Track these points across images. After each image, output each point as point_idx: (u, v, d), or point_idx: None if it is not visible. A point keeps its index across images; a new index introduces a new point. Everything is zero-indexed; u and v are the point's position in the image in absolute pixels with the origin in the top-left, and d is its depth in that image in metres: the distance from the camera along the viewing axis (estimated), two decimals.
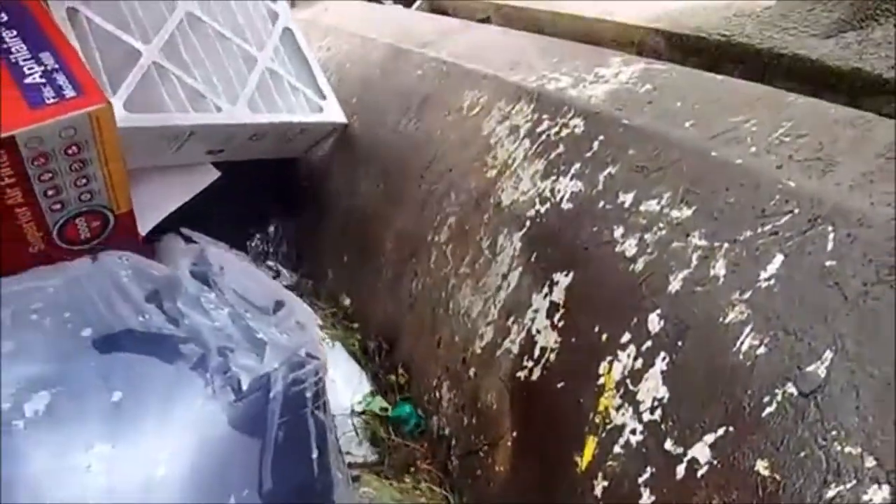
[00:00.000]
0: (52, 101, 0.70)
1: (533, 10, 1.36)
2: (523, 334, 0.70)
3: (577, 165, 0.74)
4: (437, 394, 0.82)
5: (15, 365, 0.55)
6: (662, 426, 0.54)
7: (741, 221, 0.57)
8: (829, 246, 0.51)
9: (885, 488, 0.41)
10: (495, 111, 0.91)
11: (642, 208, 0.65)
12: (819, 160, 0.58)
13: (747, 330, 0.52)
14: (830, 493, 0.43)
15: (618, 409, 0.58)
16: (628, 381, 0.58)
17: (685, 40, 1.03)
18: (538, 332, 0.69)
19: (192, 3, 0.99)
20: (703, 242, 0.59)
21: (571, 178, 0.74)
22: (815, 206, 0.54)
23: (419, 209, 0.94)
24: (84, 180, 0.73)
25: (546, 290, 0.69)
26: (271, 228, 1.30)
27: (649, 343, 0.58)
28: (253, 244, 1.26)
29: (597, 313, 0.63)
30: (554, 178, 0.76)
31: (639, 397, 0.57)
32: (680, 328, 0.56)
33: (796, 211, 0.55)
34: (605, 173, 0.71)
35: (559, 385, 0.64)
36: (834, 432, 0.44)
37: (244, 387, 0.56)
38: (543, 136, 0.81)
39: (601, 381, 0.60)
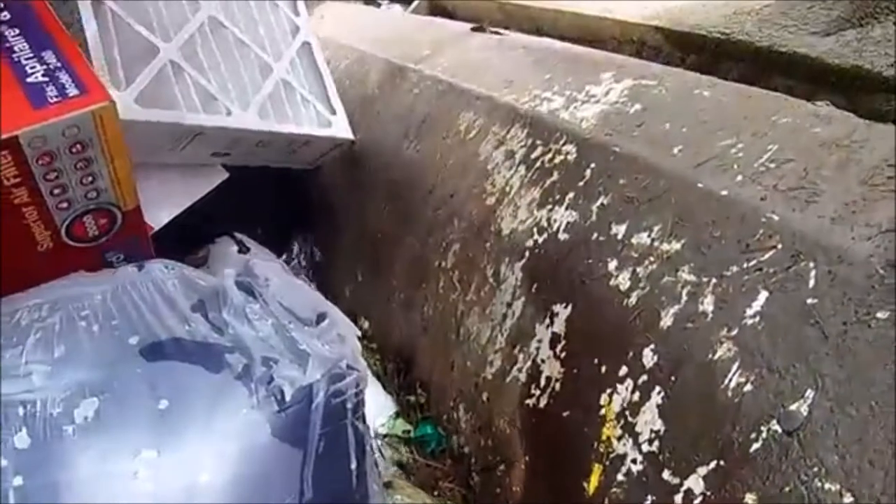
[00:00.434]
0: (55, 100, 0.70)
1: (534, 9, 1.37)
2: (529, 363, 0.74)
3: (571, 195, 0.77)
4: (455, 414, 0.87)
5: (65, 370, 0.57)
6: (660, 457, 0.58)
7: (727, 256, 0.60)
8: (811, 283, 0.54)
9: None
10: (491, 135, 0.93)
11: (634, 241, 0.67)
12: (803, 189, 0.60)
13: (735, 367, 0.55)
14: None
15: (619, 438, 0.62)
16: (627, 413, 0.62)
17: (685, 38, 1.03)
18: (543, 361, 0.72)
19: (216, 9, 1.02)
20: (692, 277, 0.61)
21: (566, 208, 0.76)
22: (797, 242, 0.56)
23: (425, 234, 0.97)
24: (90, 178, 0.74)
25: (548, 320, 0.73)
26: (295, 246, 1.35)
27: (645, 377, 0.61)
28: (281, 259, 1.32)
29: (595, 346, 0.67)
30: (550, 207, 0.78)
31: (637, 429, 0.61)
32: (672, 364, 0.59)
33: (779, 246, 0.57)
34: (597, 203, 0.73)
35: (565, 414, 0.68)
36: (815, 469, 0.48)
37: (287, 397, 0.59)
38: (538, 163, 0.83)
39: (603, 411, 0.64)
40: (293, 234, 1.36)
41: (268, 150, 1.08)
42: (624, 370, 0.63)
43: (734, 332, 0.56)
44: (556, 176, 0.80)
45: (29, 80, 0.71)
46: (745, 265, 0.58)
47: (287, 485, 0.59)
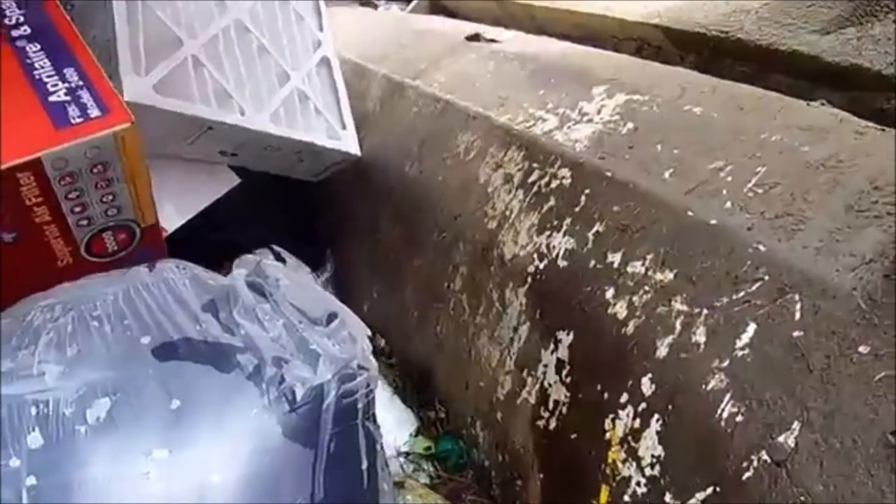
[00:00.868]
0: (77, 120, 0.70)
1: (534, 7, 1.37)
2: (537, 387, 0.78)
3: (568, 221, 0.79)
4: (474, 430, 0.92)
5: (78, 370, 0.58)
6: (661, 481, 0.62)
7: (717, 287, 0.62)
8: (797, 316, 0.56)
9: None
10: (489, 157, 0.95)
11: (629, 269, 0.70)
12: (790, 216, 0.62)
13: (726, 398, 0.58)
14: None
15: (623, 462, 0.66)
16: (630, 438, 0.66)
17: (684, 36, 1.04)
18: (550, 385, 0.76)
19: (243, 13, 1.06)
20: (685, 308, 0.64)
21: (564, 234, 0.79)
22: (783, 274, 0.58)
23: (433, 255, 1.01)
24: (110, 196, 0.75)
25: (552, 346, 0.76)
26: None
27: (644, 405, 0.64)
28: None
29: (597, 373, 0.70)
30: (548, 233, 0.81)
31: (640, 453, 0.64)
32: (669, 393, 0.62)
33: (766, 278, 0.59)
34: (593, 231, 0.76)
35: (573, 437, 0.72)
36: (802, 498, 0.51)
37: (298, 398, 0.60)
38: (535, 188, 0.85)
39: (608, 436, 0.68)
40: (305, 248, 1.41)
41: (275, 155, 1.11)
42: (625, 397, 0.66)
43: (725, 364, 0.59)
44: (553, 201, 0.82)
45: (51, 98, 0.71)
46: (734, 296, 0.61)
47: (298, 485, 0.60)
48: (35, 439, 0.54)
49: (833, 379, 0.52)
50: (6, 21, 0.78)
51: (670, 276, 0.66)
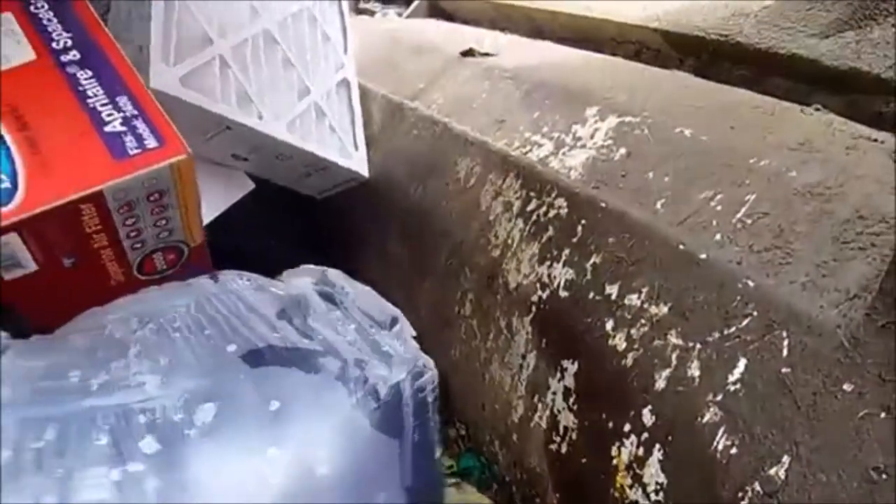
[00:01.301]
0: (134, 151, 0.72)
1: (533, 10, 1.37)
2: (548, 412, 0.82)
3: (567, 251, 0.82)
4: (493, 448, 0.97)
5: (175, 379, 0.62)
6: None
7: (709, 323, 0.65)
8: (785, 353, 0.59)
9: None
10: (489, 184, 0.98)
11: (626, 302, 0.73)
12: (777, 249, 0.64)
13: (721, 431, 0.61)
14: None
15: (630, 487, 0.70)
16: (635, 465, 0.69)
17: (683, 39, 1.05)
18: (559, 412, 0.80)
19: (273, 25, 1.11)
20: (680, 342, 0.67)
21: (564, 265, 0.82)
22: (771, 310, 0.61)
23: (442, 280, 1.05)
24: (164, 221, 0.78)
25: (559, 374, 0.80)
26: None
27: (646, 434, 0.68)
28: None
29: (601, 402, 0.74)
30: (549, 263, 0.84)
31: (644, 480, 0.68)
32: (668, 424, 0.66)
33: (755, 314, 0.62)
34: (591, 262, 0.79)
35: (583, 461, 0.77)
36: None
37: (381, 395, 0.66)
38: (534, 217, 0.88)
39: (615, 461, 0.72)
40: (309, 261, 1.44)
41: (285, 165, 1.15)
42: (628, 427, 0.70)
43: (719, 398, 0.62)
44: (551, 231, 0.85)
45: (107, 129, 0.73)
46: (725, 332, 0.63)
47: (389, 472, 0.66)
48: (149, 444, 0.57)
49: (819, 415, 0.55)
50: (54, 45, 0.80)
51: (665, 309, 0.69)
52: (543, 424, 0.84)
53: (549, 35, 1.37)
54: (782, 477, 0.56)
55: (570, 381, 0.79)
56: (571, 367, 0.79)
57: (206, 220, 1.03)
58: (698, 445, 0.63)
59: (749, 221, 0.67)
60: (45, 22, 0.82)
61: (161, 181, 0.73)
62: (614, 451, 0.72)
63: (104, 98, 0.75)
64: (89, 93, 0.75)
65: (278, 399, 0.62)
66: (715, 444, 0.62)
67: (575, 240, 0.81)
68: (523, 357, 0.87)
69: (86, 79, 0.76)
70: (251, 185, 1.11)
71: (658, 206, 0.75)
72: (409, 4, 1.85)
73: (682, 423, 0.65)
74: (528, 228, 0.89)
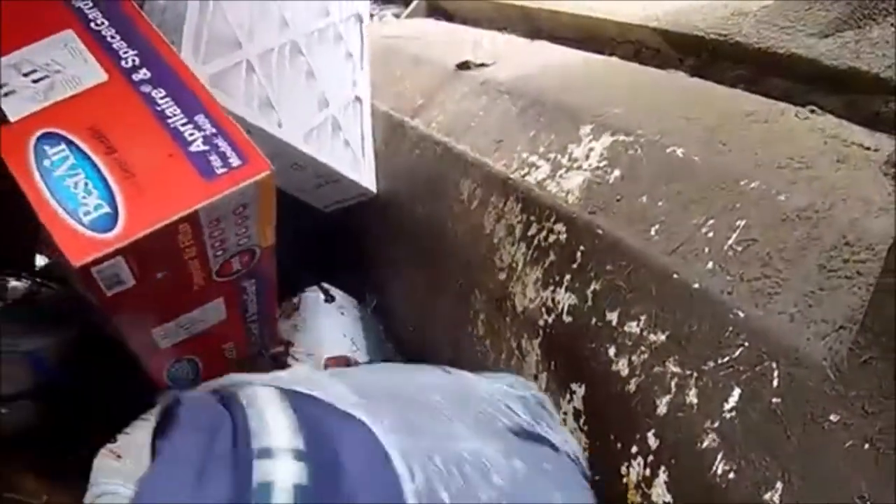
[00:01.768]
0: (221, 171, 0.74)
1: (532, 9, 1.38)
2: None
3: (569, 277, 0.85)
4: None
5: (464, 442, 0.66)
6: None
7: (704, 352, 0.68)
8: (775, 384, 0.62)
9: None
10: (491, 207, 1.01)
11: (626, 329, 0.76)
12: (767, 278, 0.66)
13: (719, 456, 0.65)
14: None
15: None
16: (643, 484, 0.74)
17: (682, 39, 1.05)
18: (572, 432, 0.85)
19: (300, 38, 1.16)
20: (678, 370, 0.70)
21: (566, 291, 0.85)
22: (761, 342, 0.63)
23: (454, 300, 1.10)
24: (244, 230, 0.82)
25: (568, 396, 0.85)
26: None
27: (652, 457, 0.72)
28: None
29: (609, 425, 0.78)
30: (552, 288, 0.88)
31: (653, 499, 0.73)
32: (671, 448, 0.70)
33: (746, 345, 0.65)
34: (591, 289, 0.82)
35: (597, 478, 0.81)
36: None
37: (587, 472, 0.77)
38: (535, 241, 0.92)
39: (625, 480, 0.77)
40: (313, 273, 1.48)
41: (297, 174, 1.19)
42: (635, 448, 0.75)
43: (716, 425, 0.66)
44: (552, 256, 0.88)
45: (191, 148, 0.75)
46: (719, 361, 0.67)
47: None
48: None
49: (808, 445, 0.58)
50: (123, 64, 0.81)
51: (662, 337, 0.72)
52: None
53: (549, 34, 1.37)
54: (777, 502, 0.60)
55: (578, 403, 0.83)
56: (579, 390, 0.83)
57: None
58: (699, 469, 0.67)
59: (739, 249, 0.69)
60: (108, 39, 0.83)
61: (246, 196, 0.76)
62: (624, 471, 0.77)
63: (183, 117, 0.76)
64: (167, 112, 0.77)
65: (549, 463, 0.70)
66: (714, 468, 0.65)
67: (575, 266, 0.85)
68: (535, 378, 0.91)
69: (161, 98, 0.78)
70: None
71: (652, 232, 0.77)
72: (408, 4, 1.86)
73: (683, 447, 0.69)
74: (530, 253, 0.92)
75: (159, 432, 0.66)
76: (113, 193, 0.73)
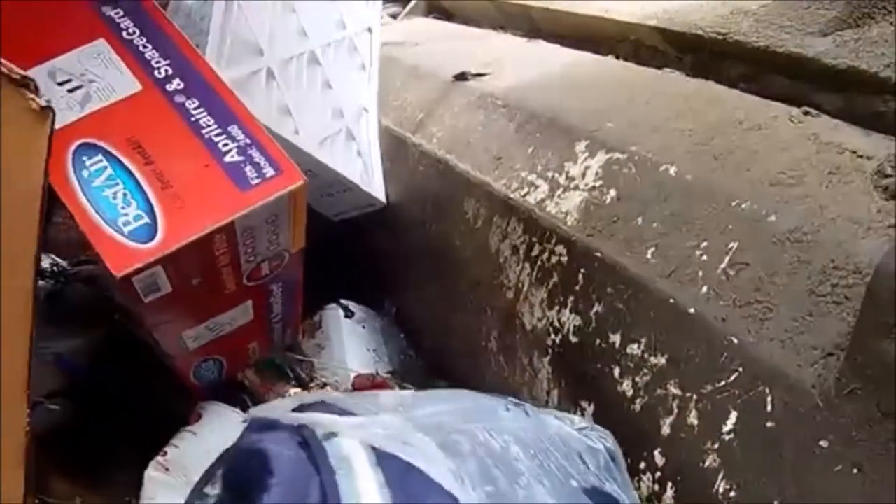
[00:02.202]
0: (256, 181, 0.76)
1: (532, 9, 1.38)
2: None
3: (572, 298, 0.89)
4: None
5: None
6: None
7: (702, 375, 0.71)
8: (769, 408, 0.65)
9: None
10: (495, 227, 1.04)
11: (628, 351, 0.80)
12: (759, 303, 0.68)
13: (720, 476, 0.69)
14: None
15: None
16: (654, 498, 0.78)
17: (682, 38, 1.06)
18: None
19: (318, 49, 1.20)
20: (679, 392, 0.73)
21: (570, 311, 0.89)
22: (754, 367, 0.66)
23: (468, 316, 1.14)
24: (275, 236, 0.84)
25: (580, 412, 0.89)
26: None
27: (659, 473, 0.76)
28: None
29: (619, 441, 0.82)
30: (557, 308, 0.91)
31: None
32: (676, 466, 0.74)
33: (741, 370, 0.67)
34: (594, 311, 0.85)
35: None
36: None
37: None
38: (539, 262, 0.95)
39: (637, 493, 0.81)
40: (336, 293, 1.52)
41: (311, 182, 1.21)
42: (644, 464, 0.79)
43: (716, 446, 0.69)
44: (556, 277, 0.91)
45: (226, 159, 0.77)
46: (716, 385, 0.70)
47: None
48: None
49: (801, 468, 0.61)
50: (156, 74, 0.82)
51: (663, 360, 0.76)
52: None
53: (548, 33, 1.37)
54: None
55: (589, 420, 0.87)
56: (589, 407, 0.87)
57: None
58: (703, 487, 0.71)
59: (732, 272, 0.72)
60: (141, 49, 0.84)
61: (280, 206, 0.79)
62: (635, 484, 0.81)
63: (217, 128, 0.79)
64: (202, 123, 0.79)
65: None
66: (716, 487, 0.69)
67: (577, 288, 0.88)
68: (548, 393, 0.96)
69: (195, 108, 0.80)
70: None
71: (648, 255, 0.80)
72: (407, 4, 1.86)
73: (687, 466, 0.73)
74: (535, 273, 0.95)
75: (227, 466, 0.69)
76: (151, 204, 0.76)
